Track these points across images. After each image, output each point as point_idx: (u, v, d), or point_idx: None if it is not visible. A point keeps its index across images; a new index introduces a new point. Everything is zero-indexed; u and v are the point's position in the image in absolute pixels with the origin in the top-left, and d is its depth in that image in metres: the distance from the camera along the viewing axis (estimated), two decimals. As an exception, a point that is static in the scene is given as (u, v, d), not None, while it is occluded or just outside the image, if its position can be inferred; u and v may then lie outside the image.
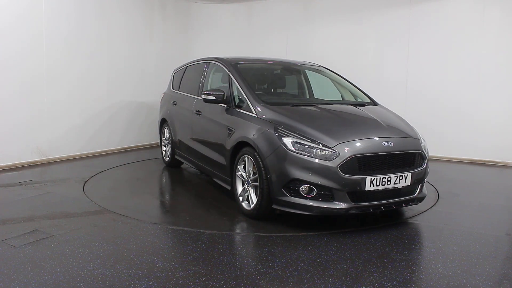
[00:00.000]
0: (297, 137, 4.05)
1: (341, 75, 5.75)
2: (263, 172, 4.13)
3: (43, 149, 6.88)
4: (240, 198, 4.50)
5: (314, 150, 3.95)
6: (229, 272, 3.17)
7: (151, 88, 8.84)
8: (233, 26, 9.65)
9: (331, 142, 3.99)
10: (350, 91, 5.55)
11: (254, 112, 4.51)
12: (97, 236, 3.87)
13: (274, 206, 4.16)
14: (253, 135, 4.32)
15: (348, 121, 4.52)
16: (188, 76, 6.47)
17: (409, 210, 4.77)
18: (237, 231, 4.08)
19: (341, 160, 3.89)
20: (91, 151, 7.67)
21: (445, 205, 5.02)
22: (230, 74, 5.11)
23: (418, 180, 4.31)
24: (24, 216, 4.31)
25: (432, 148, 7.92)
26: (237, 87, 4.90)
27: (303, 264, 3.33)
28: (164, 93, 7.22)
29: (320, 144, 3.98)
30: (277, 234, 4.00)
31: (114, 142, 8.13)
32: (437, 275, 3.19)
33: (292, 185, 4.00)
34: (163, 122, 6.96)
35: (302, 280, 3.08)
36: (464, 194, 5.59)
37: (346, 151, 3.94)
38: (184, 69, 6.74)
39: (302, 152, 3.97)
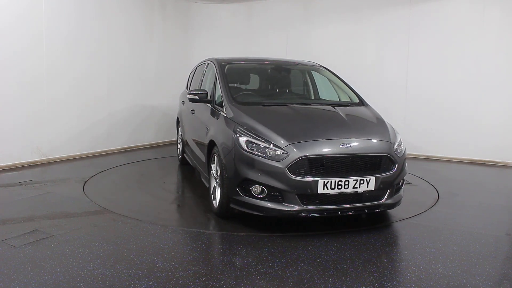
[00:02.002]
0: (252, 137, 4.03)
1: (336, 74, 5.68)
2: (223, 171, 4.16)
3: (43, 149, 6.88)
4: (212, 196, 4.55)
5: (266, 150, 3.90)
6: (229, 272, 3.17)
7: (151, 88, 8.85)
8: (233, 26, 9.64)
9: (282, 143, 3.91)
10: (342, 90, 5.48)
11: (225, 112, 4.57)
12: (97, 236, 3.87)
13: (231, 205, 4.17)
14: (218, 134, 4.43)
15: (312, 122, 4.37)
16: (195, 76, 6.63)
17: (409, 210, 4.77)
18: (238, 231, 4.08)
19: (290, 161, 3.80)
20: (91, 151, 7.66)
21: (445, 205, 5.02)
22: (216, 74, 5.19)
23: (386, 185, 4.05)
24: (24, 216, 4.31)
25: (432, 148, 7.99)
26: (219, 87, 4.98)
27: (303, 264, 3.33)
28: (181, 93, 7.39)
29: (271, 144, 3.92)
30: (277, 234, 4.00)
31: (114, 142, 8.12)
32: (437, 275, 3.19)
33: (245, 184, 3.99)
34: (177, 121, 7.23)
35: (302, 280, 3.08)
36: (464, 194, 5.59)
37: (296, 152, 3.83)
38: (195, 69, 6.84)
39: (255, 152, 3.94)
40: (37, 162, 6.78)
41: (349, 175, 3.90)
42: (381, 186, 4.00)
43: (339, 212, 3.98)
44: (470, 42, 7.55)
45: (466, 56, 7.60)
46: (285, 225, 4.23)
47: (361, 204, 4.02)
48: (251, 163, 3.92)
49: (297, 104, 4.96)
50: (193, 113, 5.74)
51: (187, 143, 6.29)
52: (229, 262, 3.35)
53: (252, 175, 3.91)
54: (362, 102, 5.13)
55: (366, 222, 4.37)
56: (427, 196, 5.38)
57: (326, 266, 3.31)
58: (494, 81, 7.42)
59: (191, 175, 6.38)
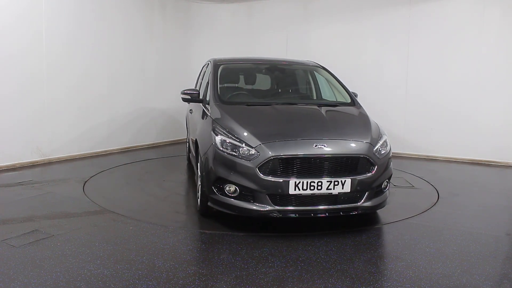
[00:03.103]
0: (227, 136, 4.05)
1: (332, 73, 5.62)
2: (202, 169, 4.22)
3: (43, 149, 6.88)
4: (198, 195, 4.59)
5: (240, 150, 3.91)
6: (229, 272, 3.17)
7: (151, 88, 8.84)
8: (233, 26, 9.64)
9: (254, 142, 3.90)
10: (336, 90, 5.45)
11: (209, 111, 4.63)
12: (97, 236, 3.87)
13: (209, 204, 4.20)
14: (200, 133, 4.48)
15: (290, 122, 4.37)
16: (199, 76, 6.70)
17: (409, 210, 4.77)
18: (238, 231, 4.08)
19: (260, 161, 3.78)
20: (91, 151, 7.66)
21: (445, 205, 5.02)
22: (210, 74, 5.25)
23: (364, 187, 3.95)
24: (24, 216, 4.31)
25: (432, 148, 7.98)
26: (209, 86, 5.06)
27: (303, 264, 3.33)
28: None
29: (244, 144, 3.92)
30: (277, 234, 4.00)
31: (114, 142, 8.12)
32: (437, 275, 3.20)
33: (219, 183, 4.01)
34: (186, 121, 7.32)
35: (302, 280, 3.08)
36: (464, 194, 5.59)
37: (267, 151, 3.81)
38: (201, 69, 6.87)
39: (228, 151, 3.95)
40: (37, 162, 6.78)
41: (322, 176, 3.83)
42: (358, 188, 3.90)
43: (311, 214, 3.93)
44: (470, 42, 7.55)
45: (466, 56, 7.60)
46: (285, 225, 4.23)
47: (336, 206, 3.93)
48: (225, 162, 3.94)
49: (283, 104, 4.95)
50: (191, 113, 5.81)
51: (189, 142, 6.43)
52: (229, 262, 3.35)
53: (225, 174, 3.92)
54: (353, 102, 5.07)
55: (366, 222, 4.37)
56: (427, 196, 5.38)
57: (326, 266, 3.31)
58: (494, 81, 7.42)
59: (193, 174, 6.38)
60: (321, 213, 3.94)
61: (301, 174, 3.81)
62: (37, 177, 5.98)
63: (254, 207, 3.86)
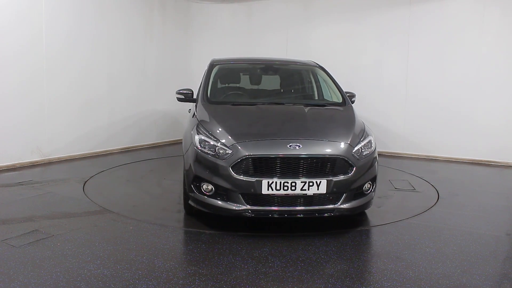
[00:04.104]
0: (205, 135, 4.08)
1: (328, 73, 5.56)
2: (184, 168, 4.26)
3: (43, 149, 6.88)
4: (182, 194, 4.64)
5: (216, 149, 3.93)
6: (229, 272, 3.17)
7: (151, 87, 8.85)
8: (233, 26, 9.64)
9: (230, 142, 3.91)
10: (331, 90, 5.40)
11: (196, 111, 4.68)
12: (97, 236, 3.86)
13: (189, 202, 4.23)
14: (185, 132, 4.52)
15: (270, 122, 4.36)
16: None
17: (409, 210, 4.77)
18: (238, 231, 4.08)
19: (234, 160, 3.79)
20: (91, 151, 7.66)
21: (445, 205, 5.02)
22: (204, 73, 5.29)
23: (341, 189, 3.87)
24: (24, 216, 4.31)
25: (432, 148, 7.98)
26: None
27: (303, 264, 3.33)
28: None
29: (219, 143, 3.95)
30: (277, 234, 4.00)
31: (114, 142, 8.12)
32: (437, 275, 3.20)
33: (197, 182, 4.04)
34: None
35: (302, 280, 3.08)
36: (464, 194, 5.59)
37: (240, 151, 3.81)
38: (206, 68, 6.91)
39: (205, 150, 3.98)
40: (37, 162, 6.78)
41: (297, 176, 3.79)
42: (335, 189, 3.83)
43: (286, 215, 3.90)
44: (470, 42, 7.55)
45: (466, 56, 7.60)
46: (285, 225, 4.23)
47: (312, 208, 3.87)
48: (202, 161, 3.97)
49: (270, 104, 4.96)
50: (189, 112, 5.83)
51: None
52: (229, 262, 3.35)
53: (202, 173, 3.95)
54: (344, 102, 5.01)
55: (366, 222, 4.37)
56: (427, 196, 5.38)
57: (326, 266, 3.31)
58: (494, 81, 7.42)
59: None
60: (296, 214, 3.90)
61: (274, 174, 3.78)
62: (37, 177, 5.98)
63: (229, 206, 3.87)
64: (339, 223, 4.30)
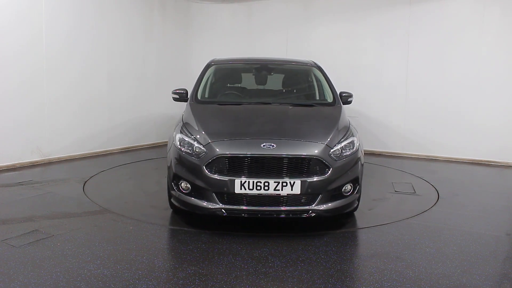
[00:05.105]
0: (184, 134, 4.15)
1: (324, 73, 5.50)
2: (167, 167, 4.30)
3: (43, 149, 6.88)
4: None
5: (193, 148, 3.98)
6: (229, 272, 3.17)
7: (151, 87, 8.85)
8: (233, 26, 9.64)
9: (205, 140, 3.95)
10: (325, 89, 5.35)
11: (184, 110, 4.74)
12: (97, 236, 3.86)
13: (171, 200, 4.27)
14: (172, 131, 4.57)
15: (249, 122, 4.36)
16: None
17: (409, 210, 4.77)
18: (238, 231, 4.08)
19: (207, 159, 3.82)
20: (91, 151, 7.66)
21: (445, 205, 5.02)
22: (200, 74, 5.37)
23: (316, 190, 3.80)
24: (24, 216, 4.31)
25: (432, 148, 7.98)
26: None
27: (303, 264, 3.33)
28: None
29: (196, 142, 3.99)
30: (277, 234, 4.00)
31: (114, 142, 8.12)
32: (437, 275, 3.20)
33: (176, 180, 4.09)
34: None
35: (302, 280, 3.08)
36: (464, 194, 5.59)
37: (214, 150, 3.84)
38: None
39: (184, 149, 4.04)
40: (37, 162, 6.78)
41: (270, 176, 3.76)
42: (309, 190, 3.78)
43: (259, 215, 3.87)
44: (470, 42, 7.55)
45: (466, 56, 7.60)
46: (284, 225, 4.23)
47: (286, 208, 3.83)
48: (179, 159, 4.04)
49: (257, 103, 4.96)
50: None
51: None
52: (229, 262, 3.35)
53: (180, 171, 4.02)
54: (334, 102, 4.96)
55: (366, 222, 4.37)
56: (427, 196, 5.38)
57: (326, 266, 3.31)
58: (494, 81, 7.42)
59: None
60: (269, 214, 3.89)
61: (247, 174, 3.78)
62: (37, 177, 5.98)
63: (204, 205, 3.90)
64: (339, 223, 4.30)
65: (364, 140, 8.36)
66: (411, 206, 4.98)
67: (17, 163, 6.53)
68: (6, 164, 6.39)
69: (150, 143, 8.89)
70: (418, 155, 8.08)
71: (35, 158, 6.79)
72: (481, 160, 7.59)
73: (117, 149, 8.13)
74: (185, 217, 4.45)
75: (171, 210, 4.87)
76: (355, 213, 4.54)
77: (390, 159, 7.90)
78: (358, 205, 4.36)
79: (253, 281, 3.04)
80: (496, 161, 7.48)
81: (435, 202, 5.14)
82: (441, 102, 7.82)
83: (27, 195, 5.08)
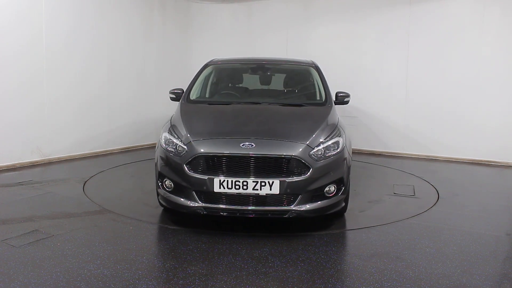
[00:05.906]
0: (170, 133, 4.22)
1: (320, 72, 5.47)
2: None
3: (43, 149, 6.88)
4: None
5: (176, 146, 4.03)
6: (229, 272, 3.17)
7: (151, 87, 8.84)
8: (233, 26, 9.64)
9: (187, 139, 4.01)
10: (319, 89, 5.30)
11: (175, 110, 4.78)
12: (97, 236, 3.87)
13: (158, 198, 4.32)
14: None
15: (233, 121, 4.40)
16: None
17: (409, 210, 4.77)
18: (238, 231, 4.08)
19: (188, 158, 3.88)
20: (91, 151, 7.66)
21: (445, 205, 5.02)
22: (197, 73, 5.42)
23: (296, 190, 3.77)
24: (24, 216, 4.31)
25: (432, 148, 7.98)
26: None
27: (303, 264, 3.33)
28: None
29: (179, 141, 4.05)
30: (277, 234, 4.00)
31: (115, 142, 8.12)
32: (437, 275, 3.20)
33: (161, 178, 4.15)
34: None
35: (302, 280, 3.08)
36: (464, 194, 5.59)
37: (194, 149, 3.89)
38: None
39: (168, 148, 4.09)
40: (37, 162, 6.78)
41: (248, 176, 3.76)
42: (288, 190, 3.75)
43: (238, 214, 3.87)
44: (470, 42, 7.55)
45: (466, 56, 7.60)
46: (284, 225, 4.23)
47: (265, 208, 3.82)
48: (164, 158, 4.10)
49: (246, 103, 4.96)
50: None
51: None
52: (229, 262, 3.35)
53: (164, 169, 4.08)
54: (326, 102, 4.93)
55: (366, 222, 4.37)
56: (427, 196, 5.38)
57: (326, 266, 3.31)
58: (494, 81, 7.41)
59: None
60: (248, 214, 3.88)
61: (226, 173, 3.80)
62: (37, 177, 5.98)
63: (185, 203, 3.94)
64: (339, 223, 4.30)
65: (364, 140, 8.44)
66: (400, 211, 4.82)
67: (17, 163, 6.53)
68: (6, 164, 6.39)
69: (150, 143, 8.88)
70: (418, 155, 8.07)
71: (35, 158, 6.79)
72: (481, 160, 7.59)
73: (117, 149, 8.12)
74: (185, 217, 4.46)
75: (171, 210, 4.88)
76: (345, 214, 4.50)
77: (390, 159, 7.90)
78: (346, 206, 4.32)
79: (253, 281, 3.04)
80: (496, 161, 7.48)
81: (435, 202, 5.14)
82: (441, 102, 7.82)
83: (27, 195, 5.08)
